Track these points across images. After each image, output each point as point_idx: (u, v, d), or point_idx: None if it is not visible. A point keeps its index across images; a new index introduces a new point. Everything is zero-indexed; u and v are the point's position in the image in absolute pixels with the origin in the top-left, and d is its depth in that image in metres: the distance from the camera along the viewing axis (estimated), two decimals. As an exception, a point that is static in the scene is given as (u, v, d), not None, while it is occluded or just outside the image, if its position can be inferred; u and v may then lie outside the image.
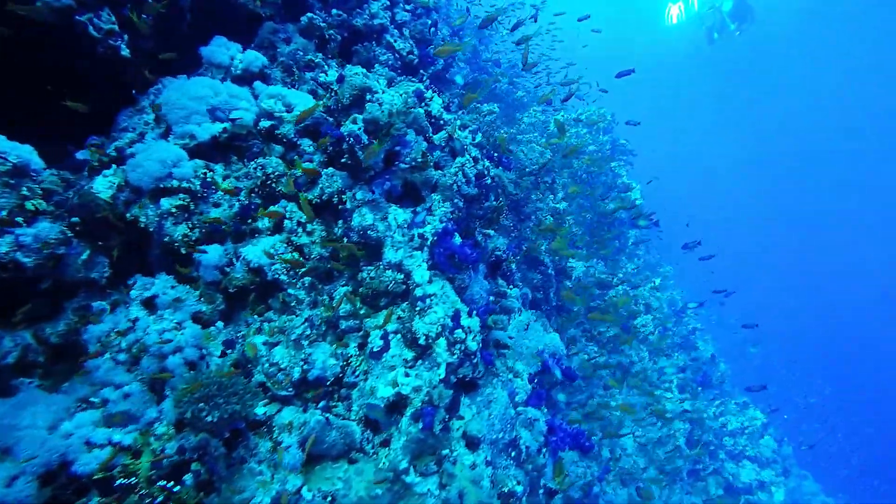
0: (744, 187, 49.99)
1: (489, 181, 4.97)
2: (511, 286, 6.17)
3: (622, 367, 12.86)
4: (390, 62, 6.42)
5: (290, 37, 6.27)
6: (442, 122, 5.18)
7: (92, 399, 3.23)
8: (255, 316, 4.32)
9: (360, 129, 4.13)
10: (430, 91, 5.25)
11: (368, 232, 4.15)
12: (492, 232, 6.15)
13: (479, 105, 12.10)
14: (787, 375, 22.55)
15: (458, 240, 4.30)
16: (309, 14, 6.16)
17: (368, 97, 4.24)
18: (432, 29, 7.30)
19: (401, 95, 4.57)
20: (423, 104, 5.09)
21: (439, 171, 4.63)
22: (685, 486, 12.28)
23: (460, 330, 3.73)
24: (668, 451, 12.10)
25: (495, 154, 5.83)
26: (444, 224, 4.31)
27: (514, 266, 6.53)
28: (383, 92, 4.45)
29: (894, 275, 41.74)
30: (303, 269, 4.21)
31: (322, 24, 6.22)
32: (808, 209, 48.06)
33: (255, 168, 4.44)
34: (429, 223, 4.29)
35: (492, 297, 5.81)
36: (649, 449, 12.23)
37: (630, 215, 15.91)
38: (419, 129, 4.54)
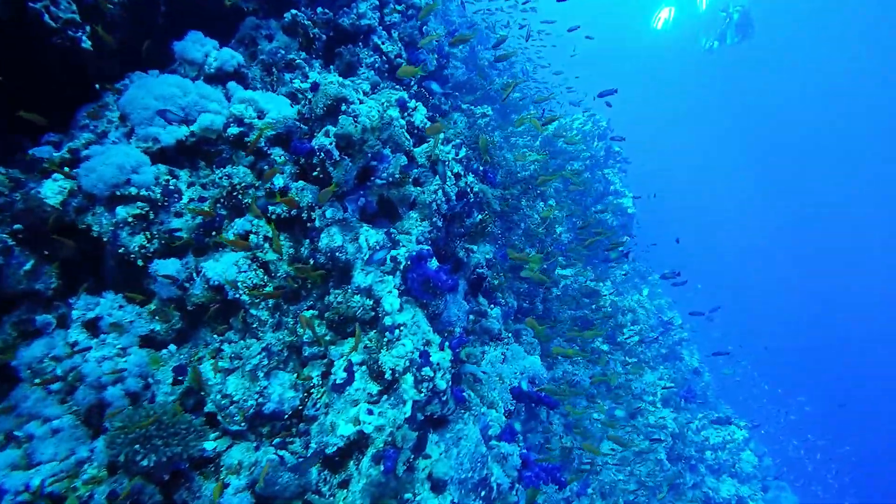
0: (743, 186, 49.81)
1: (472, 198, 4.66)
2: (493, 305, 5.86)
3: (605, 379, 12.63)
4: (377, 65, 6.07)
5: (272, 34, 5.92)
6: (425, 133, 4.85)
7: (16, 433, 2.91)
8: (215, 336, 3.99)
9: (331, 143, 3.78)
10: (414, 100, 4.92)
11: (336, 254, 3.81)
12: (475, 247, 5.84)
13: (472, 108, 11.80)
14: (770, 391, 22.41)
15: (434, 264, 3.98)
16: (293, 10, 5.81)
17: (343, 108, 3.89)
18: (425, 28, 6.94)
19: (382, 105, 4.23)
20: (405, 114, 4.76)
21: (418, 188, 4.30)
22: (666, 501, 12.06)
23: (428, 368, 3.41)
24: (648, 466, 11.90)
25: (480, 168, 5.51)
26: (420, 246, 3.98)
27: (496, 282, 6.23)
28: (361, 102, 4.11)
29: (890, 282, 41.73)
30: (266, 290, 3.89)
31: (306, 23, 5.86)
32: (807, 210, 47.89)
33: (221, 177, 4.10)
34: (403, 245, 3.96)
35: (471, 317, 5.51)
36: (630, 461, 12.03)
37: (608, 243, 15.67)
38: (398, 144, 4.21)
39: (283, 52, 5.79)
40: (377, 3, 6.23)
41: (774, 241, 46.96)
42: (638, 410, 12.12)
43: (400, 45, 6.26)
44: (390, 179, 4.10)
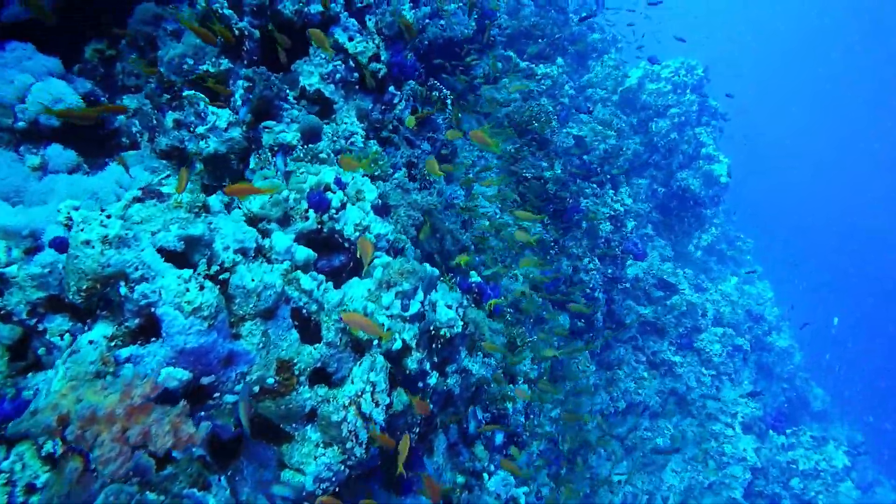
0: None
1: (434, 381, 2.50)
2: (496, 451, 3.77)
3: (676, 394, 10.44)
4: (339, 76, 3.76)
5: (181, 29, 3.75)
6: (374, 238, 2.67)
7: None
8: None
9: (54, 418, 1.67)
10: (353, 180, 2.69)
11: None
12: (472, 363, 3.71)
13: (531, 66, 9.38)
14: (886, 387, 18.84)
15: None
16: (207, -6, 3.59)
17: (123, 290, 1.77)
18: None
19: (252, 235, 2.09)
20: (322, 217, 2.58)
21: (320, 393, 2.21)
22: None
23: None
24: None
25: (474, 285, 3.24)
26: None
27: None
28: (192, 243, 1.97)
29: None
30: None
31: (227, 12, 3.63)
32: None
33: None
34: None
35: (460, 479, 3.49)
36: (696, 496, 10.00)
37: (708, 195, 12.93)
38: (281, 303, 2.09)
39: (189, 60, 3.64)
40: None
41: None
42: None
43: (377, 39, 3.87)
44: (257, 389, 2.03)
